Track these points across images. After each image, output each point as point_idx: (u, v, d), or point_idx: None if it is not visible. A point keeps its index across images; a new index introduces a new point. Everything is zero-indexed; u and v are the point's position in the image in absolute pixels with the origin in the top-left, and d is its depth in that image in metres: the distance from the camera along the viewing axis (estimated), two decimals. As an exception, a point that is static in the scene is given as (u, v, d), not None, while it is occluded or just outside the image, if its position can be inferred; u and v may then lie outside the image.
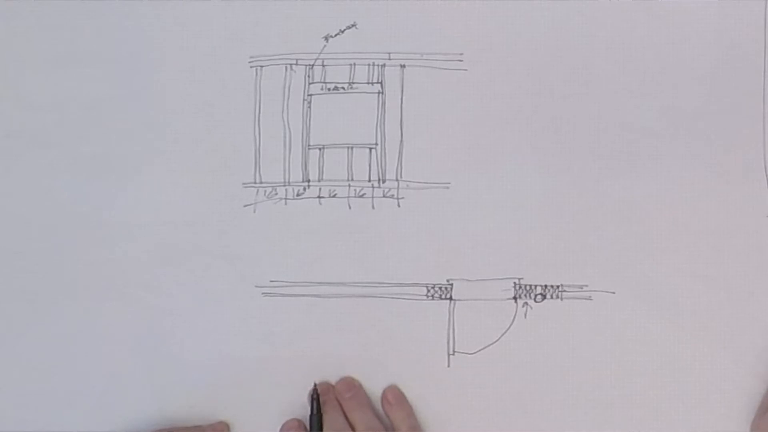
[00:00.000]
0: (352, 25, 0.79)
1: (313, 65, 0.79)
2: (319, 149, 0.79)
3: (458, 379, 0.77)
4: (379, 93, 0.79)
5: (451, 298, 0.78)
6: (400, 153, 0.78)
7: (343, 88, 0.79)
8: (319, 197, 0.79)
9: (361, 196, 0.78)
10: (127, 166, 0.79)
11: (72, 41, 0.80)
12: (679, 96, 0.77)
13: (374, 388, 0.78)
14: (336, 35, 0.79)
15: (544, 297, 0.77)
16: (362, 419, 0.75)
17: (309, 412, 0.77)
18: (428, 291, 0.78)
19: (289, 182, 0.79)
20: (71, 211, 0.79)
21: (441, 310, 0.78)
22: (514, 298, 0.77)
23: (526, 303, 0.77)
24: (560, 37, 0.78)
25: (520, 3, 0.78)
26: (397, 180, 0.78)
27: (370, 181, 0.79)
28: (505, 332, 0.77)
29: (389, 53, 0.79)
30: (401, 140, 0.78)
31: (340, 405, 0.76)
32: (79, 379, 0.79)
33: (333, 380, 0.78)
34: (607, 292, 0.77)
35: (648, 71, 0.77)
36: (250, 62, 0.79)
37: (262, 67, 0.79)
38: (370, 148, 0.79)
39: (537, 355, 0.77)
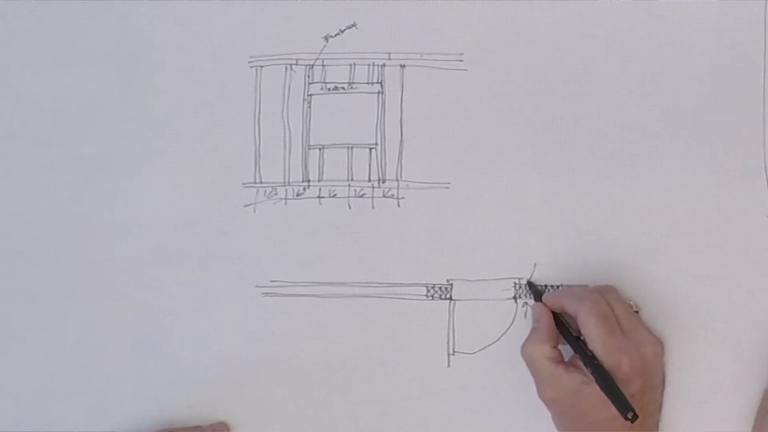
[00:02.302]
0: (352, 25, 0.79)
1: (313, 65, 0.79)
2: (319, 149, 0.79)
3: (458, 379, 0.77)
4: (379, 93, 0.79)
5: (451, 298, 0.78)
6: (400, 153, 0.78)
7: (343, 88, 0.79)
8: (319, 197, 0.79)
9: (361, 196, 0.78)
10: (127, 166, 0.79)
11: (72, 41, 0.80)
12: (679, 96, 0.77)
13: (374, 388, 0.78)
14: (336, 35, 0.79)
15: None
16: None
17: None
18: (428, 291, 0.78)
19: (289, 182, 0.79)
20: (71, 211, 0.79)
21: (441, 310, 0.78)
22: (514, 298, 0.77)
23: (526, 303, 0.77)
24: (560, 37, 0.78)
25: (520, 3, 0.78)
26: (397, 180, 0.78)
27: (370, 181, 0.79)
28: (505, 332, 0.77)
29: (389, 53, 0.79)
30: (401, 140, 0.78)
31: None
32: (79, 379, 0.79)
33: (332, 380, 0.78)
34: (607, 292, 0.77)
35: (648, 71, 0.77)
36: (250, 62, 0.79)
37: (262, 67, 0.79)
38: (370, 148, 0.79)
39: (537, 355, 0.76)
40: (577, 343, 0.71)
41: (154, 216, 0.79)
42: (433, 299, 0.78)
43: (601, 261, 0.77)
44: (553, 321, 0.74)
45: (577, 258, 0.77)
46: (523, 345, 0.74)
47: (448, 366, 0.78)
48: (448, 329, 0.78)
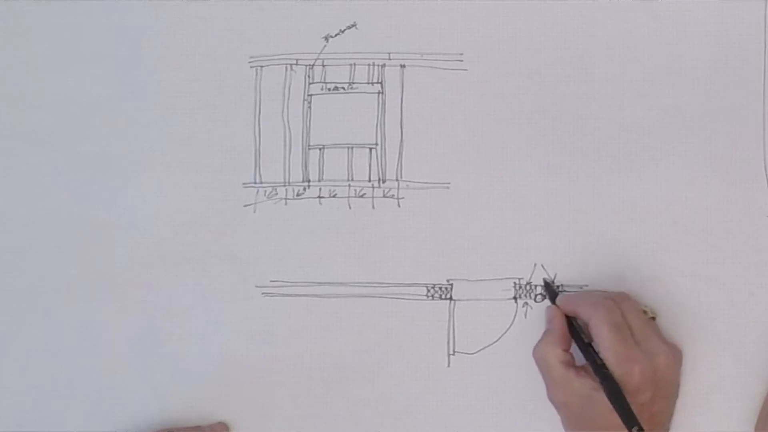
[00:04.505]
0: (352, 25, 0.79)
1: (313, 65, 0.79)
2: (319, 149, 0.79)
3: (458, 379, 0.77)
4: (379, 93, 0.79)
5: (451, 298, 0.78)
6: (400, 153, 0.78)
7: (343, 88, 0.79)
8: (319, 197, 0.79)
9: (361, 196, 0.78)
10: (127, 166, 0.79)
11: (72, 41, 0.80)
12: (679, 96, 0.77)
13: (374, 388, 0.78)
14: (336, 35, 0.79)
15: (544, 297, 0.77)
16: None
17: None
18: (428, 291, 0.78)
19: (289, 182, 0.79)
20: (71, 211, 0.79)
21: (441, 310, 0.78)
22: (514, 298, 0.77)
23: (526, 303, 0.77)
24: (560, 37, 0.78)
25: (520, 3, 0.78)
26: (397, 180, 0.78)
27: (370, 181, 0.79)
28: (505, 332, 0.77)
29: (389, 53, 0.79)
30: (401, 140, 0.78)
31: None
32: (79, 379, 0.79)
33: (332, 380, 0.78)
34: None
35: (648, 71, 0.77)
36: (250, 62, 0.79)
37: (262, 67, 0.79)
38: (370, 148, 0.79)
39: (537, 355, 0.76)
40: (588, 349, 0.71)
41: (154, 216, 0.79)
42: (433, 299, 0.78)
43: (600, 261, 0.77)
44: (566, 324, 0.73)
45: (577, 258, 0.77)
46: (535, 346, 0.73)
47: (448, 366, 0.78)
48: (448, 329, 0.78)
